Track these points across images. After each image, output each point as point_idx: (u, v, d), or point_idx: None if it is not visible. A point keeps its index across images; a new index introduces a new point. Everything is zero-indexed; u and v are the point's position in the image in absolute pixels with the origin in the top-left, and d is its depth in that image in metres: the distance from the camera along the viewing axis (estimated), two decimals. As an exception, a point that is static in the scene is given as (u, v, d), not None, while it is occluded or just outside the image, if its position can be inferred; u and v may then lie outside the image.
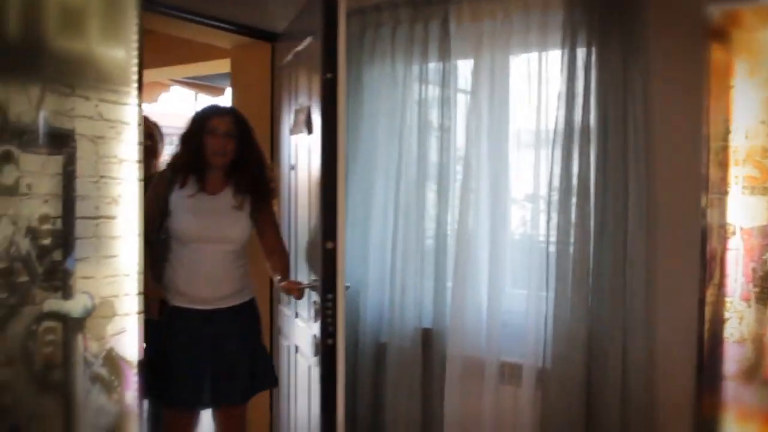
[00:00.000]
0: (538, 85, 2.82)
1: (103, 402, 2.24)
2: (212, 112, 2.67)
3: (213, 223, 2.59)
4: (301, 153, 2.80)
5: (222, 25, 3.27)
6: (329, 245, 2.35)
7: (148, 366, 2.33)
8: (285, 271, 2.70)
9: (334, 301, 2.37)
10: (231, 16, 3.28)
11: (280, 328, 3.17)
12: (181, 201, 2.59)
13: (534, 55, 2.83)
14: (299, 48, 2.80)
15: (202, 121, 2.63)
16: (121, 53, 2.35)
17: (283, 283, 2.62)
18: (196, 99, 10.69)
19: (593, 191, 2.64)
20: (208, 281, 2.59)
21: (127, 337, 2.32)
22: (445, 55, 2.98)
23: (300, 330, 2.76)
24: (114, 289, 2.26)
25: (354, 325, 3.12)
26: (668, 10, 2.61)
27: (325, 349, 2.36)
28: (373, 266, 3.17)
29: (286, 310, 3.03)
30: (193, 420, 2.68)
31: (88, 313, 2.17)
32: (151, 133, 3.08)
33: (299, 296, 2.59)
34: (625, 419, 2.57)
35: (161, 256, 2.57)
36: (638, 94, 2.59)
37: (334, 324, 2.36)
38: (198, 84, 5.92)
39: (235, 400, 2.68)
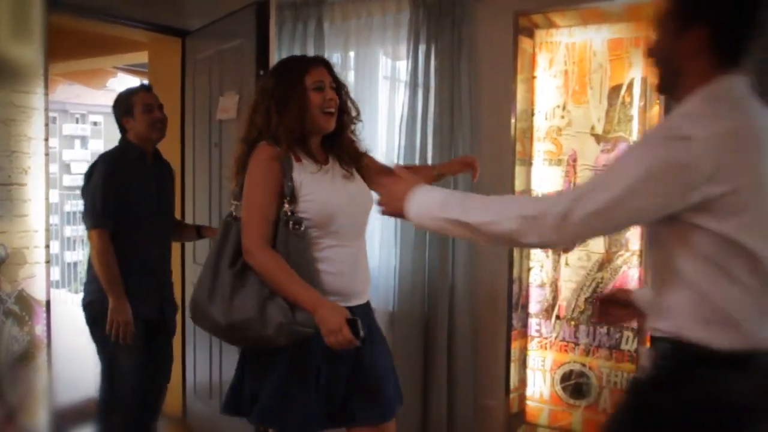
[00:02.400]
0: (392, 76, 3.38)
1: (15, 333, 2.76)
2: (306, 62, 2.09)
3: (351, 198, 2.05)
4: (225, 133, 3.18)
5: (133, 23, 3.74)
6: None
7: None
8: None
9: None
10: (144, 15, 3.74)
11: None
12: (310, 181, 1.99)
13: (389, 49, 3.39)
14: (226, 46, 3.19)
15: (298, 76, 2.01)
16: (29, 51, 2.83)
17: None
18: (140, 83, 11.10)
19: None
20: (361, 269, 2.07)
21: (36, 281, 2.84)
22: (320, 50, 3.51)
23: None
24: (25, 242, 2.77)
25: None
26: (490, 11, 3.12)
27: None
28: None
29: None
30: None
31: (2, 260, 2.69)
32: (162, 104, 2.93)
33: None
34: (452, 348, 3.15)
35: (306, 254, 1.95)
36: (465, 81, 3.11)
37: None
38: (140, 71, 6.36)
39: (392, 413, 2.09)
